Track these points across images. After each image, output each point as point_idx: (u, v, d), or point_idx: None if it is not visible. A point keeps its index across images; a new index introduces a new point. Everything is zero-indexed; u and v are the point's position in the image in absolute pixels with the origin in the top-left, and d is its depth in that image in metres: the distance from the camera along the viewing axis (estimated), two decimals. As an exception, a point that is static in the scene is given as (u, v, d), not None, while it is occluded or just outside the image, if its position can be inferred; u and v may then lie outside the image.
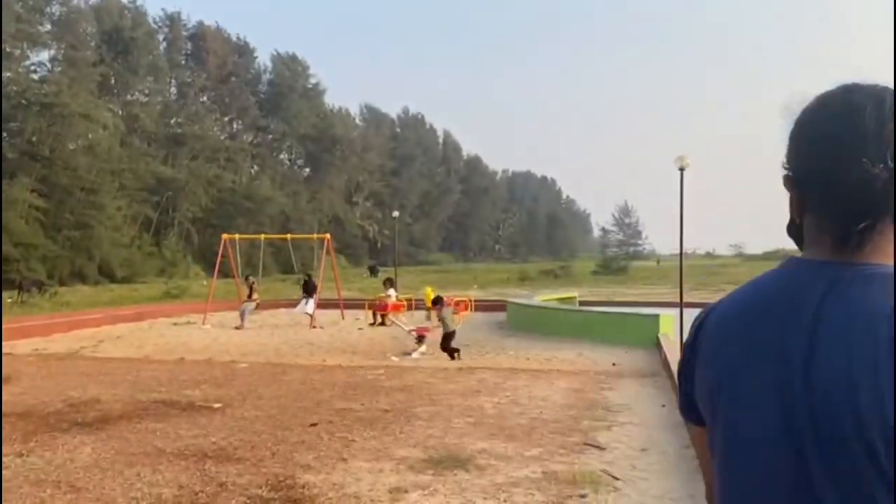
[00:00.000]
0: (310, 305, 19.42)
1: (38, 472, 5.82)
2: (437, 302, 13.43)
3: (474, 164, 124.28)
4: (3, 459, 6.18)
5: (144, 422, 7.63)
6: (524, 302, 19.68)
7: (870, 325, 0.87)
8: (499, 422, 7.53)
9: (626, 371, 11.09)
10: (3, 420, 7.75)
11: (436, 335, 13.17)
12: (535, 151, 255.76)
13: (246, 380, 10.42)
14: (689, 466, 5.91)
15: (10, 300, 25.60)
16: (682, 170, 11.46)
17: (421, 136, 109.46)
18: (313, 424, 7.42)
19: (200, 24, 70.97)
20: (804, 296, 0.95)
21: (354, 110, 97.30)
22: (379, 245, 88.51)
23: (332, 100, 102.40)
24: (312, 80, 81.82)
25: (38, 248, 42.17)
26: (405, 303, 19.66)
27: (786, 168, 1.03)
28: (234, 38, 74.66)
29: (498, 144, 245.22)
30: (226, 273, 26.99)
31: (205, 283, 38.65)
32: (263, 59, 78.80)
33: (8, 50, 46.80)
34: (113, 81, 57.54)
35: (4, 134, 46.26)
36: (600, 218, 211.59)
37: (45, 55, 51.71)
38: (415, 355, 13.10)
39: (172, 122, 64.30)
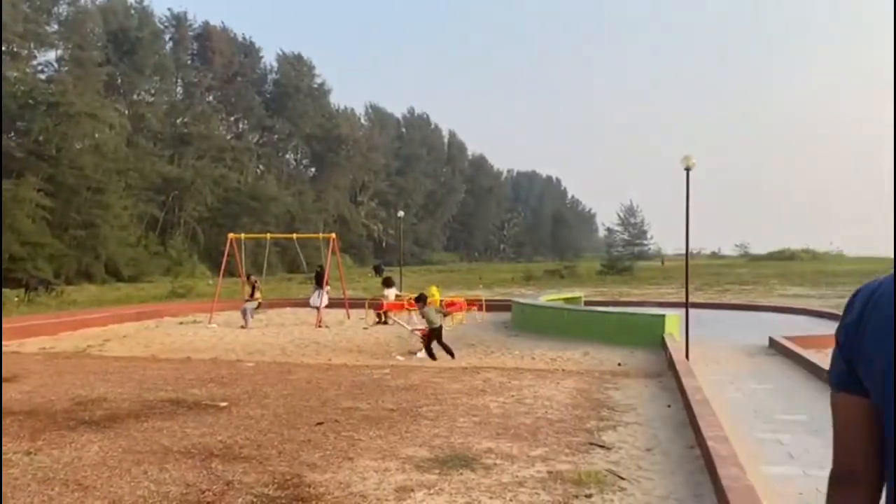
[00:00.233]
0: (324, 298, 19.62)
1: (46, 470, 5.86)
2: (420, 300, 13.32)
3: (479, 163, 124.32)
4: (13, 457, 6.22)
5: (151, 420, 7.66)
6: (529, 302, 19.65)
7: None
8: (504, 421, 7.53)
9: (631, 371, 11.08)
10: (12, 418, 7.80)
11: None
12: (540, 151, 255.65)
13: (252, 379, 10.44)
14: (693, 466, 5.92)
15: (16, 299, 25.72)
16: (688, 170, 11.43)
17: (426, 135, 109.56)
18: (319, 423, 7.44)
19: (206, 24, 71.31)
20: None
21: (360, 110, 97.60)
22: (384, 244, 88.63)
23: (337, 100, 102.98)
24: (318, 80, 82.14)
25: (45, 247, 42.37)
26: (405, 302, 19.54)
27: None
28: (239, 38, 74.93)
29: (503, 144, 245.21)
30: (232, 272, 27.05)
31: (210, 282, 38.76)
32: (269, 58, 79.21)
33: (15, 50, 47.04)
34: (119, 81, 57.78)
35: (11, 133, 46.47)
36: (605, 218, 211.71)
37: (52, 55, 52.02)
38: (420, 355, 13.11)
39: (178, 121, 64.51)
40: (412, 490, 5.29)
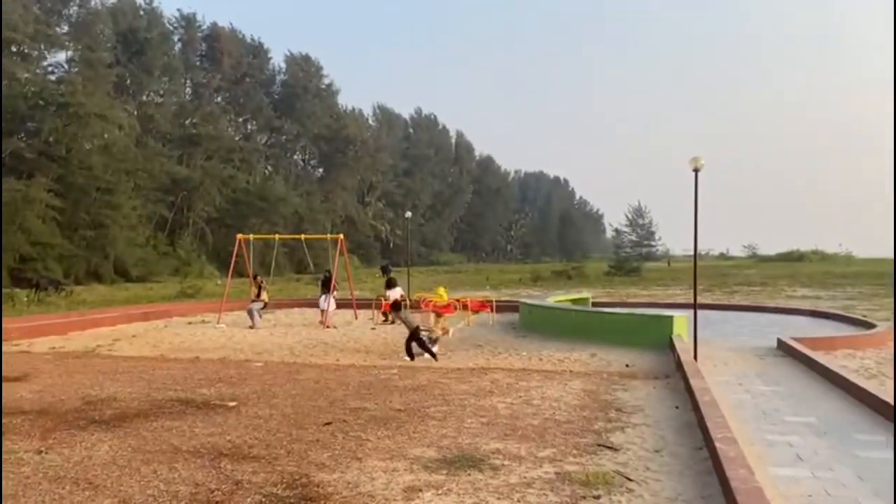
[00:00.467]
0: (331, 303, 19.59)
1: (57, 468, 5.90)
2: (396, 308, 13.47)
3: (487, 164, 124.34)
4: (24, 456, 6.27)
5: (160, 420, 7.70)
6: (537, 302, 19.64)
7: None
8: (512, 422, 7.54)
9: (639, 372, 11.07)
10: (23, 417, 7.87)
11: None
12: (547, 152, 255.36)
13: (260, 379, 10.48)
14: (702, 467, 5.91)
15: (26, 298, 25.89)
16: (696, 171, 11.40)
17: (433, 136, 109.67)
18: (328, 423, 7.47)
19: (215, 25, 71.54)
20: None
21: (367, 111, 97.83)
22: (391, 245, 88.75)
23: (345, 100, 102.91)
24: (326, 81, 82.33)
25: (55, 248, 42.63)
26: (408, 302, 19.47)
27: None
28: (248, 39, 75.14)
29: (510, 145, 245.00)
30: (240, 273, 27.14)
31: (219, 282, 38.91)
32: (277, 59, 79.38)
33: (26, 51, 47.33)
34: (128, 82, 58.06)
35: (22, 134, 46.76)
36: (613, 218, 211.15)
37: (62, 56, 52.30)
38: (426, 356, 13.12)
39: (187, 122, 64.75)
40: (420, 490, 5.31)
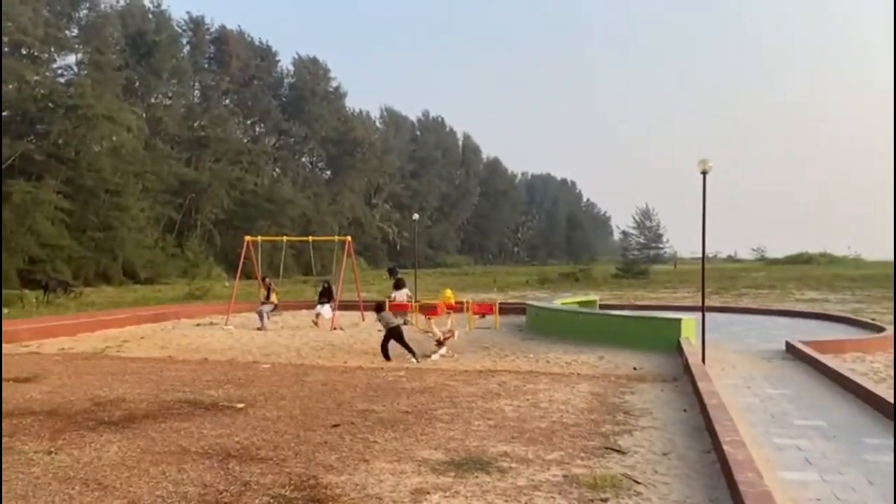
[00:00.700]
0: (325, 309, 19.54)
1: (67, 469, 5.93)
2: (378, 309, 13.86)
3: (494, 166, 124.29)
4: (34, 457, 6.31)
5: (169, 421, 7.73)
6: (544, 305, 19.63)
7: None
8: (519, 425, 7.54)
9: (647, 375, 11.04)
10: (33, 418, 7.91)
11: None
12: (554, 154, 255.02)
13: (268, 380, 10.51)
14: (710, 471, 5.90)
15: (36, 300, 26.04)
16: (704, 173, 11.37)
17: (441, 138, 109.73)
18: (335, 425, 7.49)
19: (223, 27, 71.76)
20: None
21: (375, 113, 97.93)
22: (398, 247, 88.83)
23: (352, 103, 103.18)
24: (333, 84, 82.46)
25: (64, 249, 42.83)
26: (413, 304, 19.07)
27: None
28: (256, 42, 75.34)
29: (517, 147, 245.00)
30: (248, 274, 27.22)
31: (227, 284, 39.02)
32: (285, 62, 79.54)
33: (36, 54, 47.61)
34: (137, 84, 58.32)
35: (31, 137, 47.03)
36: (621, 221, 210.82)
37: (71, 59, 52.57)
38: (434, 357, 13.14)
39: (196, 124, 64.98)
40: (428, 493, 5.32)
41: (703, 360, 11.21)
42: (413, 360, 12.69)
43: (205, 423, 7.60)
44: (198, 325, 20.36)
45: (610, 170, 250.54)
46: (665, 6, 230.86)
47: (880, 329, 16.14)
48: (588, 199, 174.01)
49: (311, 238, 26.26)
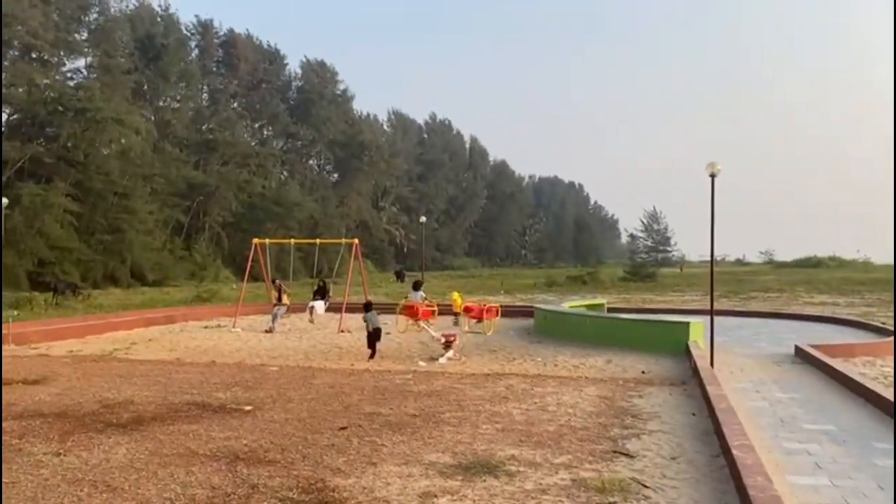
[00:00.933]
0: (318, 304, 19.87)
1: (76, 471, 5.95)
2: (367, 308, 14.26)
3: (501, 169, 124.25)
4: (43, 458, 6.34)
5: (177, 423, 7.75)
6: (552, 308, 19.59)
7: None
8: (527, 428, 7.52)
9: (655, 379, 11.01)
10: (42, 420, 7.95)
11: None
12: (562, 157, 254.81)
13: (276, 383, 10.53)
14: (719, 475, 5.87)
15: (45, 302, 26.16)
16: (713, 176, 11.34)
17: (448, 141, 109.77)
18: (343, 428, 7.49)
19: (232, 31, 72.01)
20: None
21: (382, 116, 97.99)
22: (405, 250, 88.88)
23: (360, 106, 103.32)
24: (341, 87, 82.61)
25: (73, 252, 43.00)
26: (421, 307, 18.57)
27: None
28: (264, 46, 75.57)
29: (525, 150, 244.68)
30: (255, 277, 27.27)
31: (234, 286, 39.09)
32: (293, 66, 79.74)
33: (45, 57, 47.88)
34: (145, 87, 58.55)
35: (41, 140, 47.28)
36: (628, 223, 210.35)
37: (81, 62, 52.83)
38: (442, 360, 13.14)
39: (204, 127, 65.17)
40: (435, 496, 5.31)
41: (712, 363, 11.17)
42: (368, 360, 13.28)
43: (213, 426, 7.62)
44: (206, 327, 20.42)
45: (617, 172, 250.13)
46: (673, 8, 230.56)
47: (890, 333, 16.04)
48: (596, 202, 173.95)
49: (318, 240, 26.30)
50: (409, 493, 5.36)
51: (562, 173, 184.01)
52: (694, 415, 8.30)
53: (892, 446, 6.76)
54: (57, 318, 21.09)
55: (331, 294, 21.15)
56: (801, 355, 12.80)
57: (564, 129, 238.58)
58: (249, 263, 22.58)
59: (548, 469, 6.01)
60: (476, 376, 11.24)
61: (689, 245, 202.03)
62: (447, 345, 13.72)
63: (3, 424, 7.67)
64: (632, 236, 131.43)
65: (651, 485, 5.61)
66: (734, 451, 5.79)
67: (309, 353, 14.66)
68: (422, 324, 15.77)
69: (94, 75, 51.71)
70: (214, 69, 70.47)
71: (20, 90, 45.92)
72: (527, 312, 21.47)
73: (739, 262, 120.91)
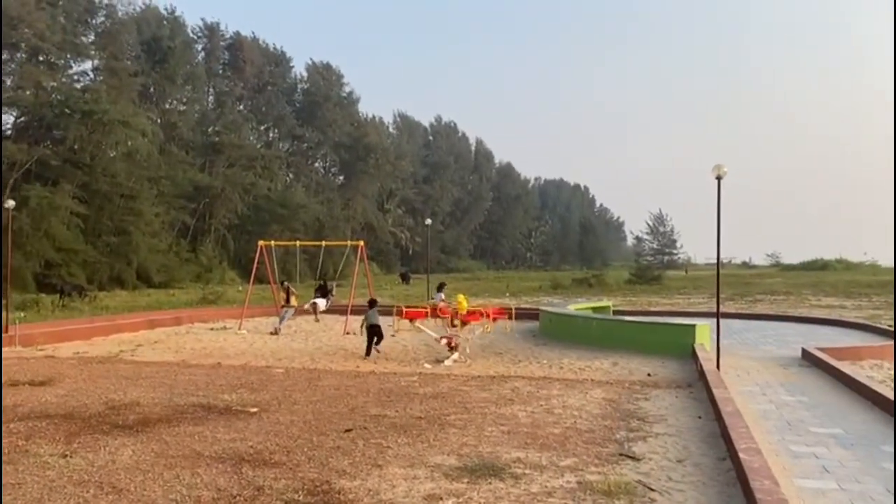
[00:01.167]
0: (321, 301, 19.93)
1: (82, 472, 5.96)
2: (371, 305, 14.92)
3: (506, 171, 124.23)
4: (49, 460, 6.35)
5: (183, 425, 7.76)
6: (557, 310, 19.56)
7: None
8: (533, 431, 7.51)
9: (661, 381, 10.98)
10: (48, 421, 7.96)
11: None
12: (567, 159, 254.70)
13: (281, 385, 10.53)
14: (725, 478, 5.85)
15: (52, 304, 26.25)
16: (719, 179, 11.31)
17: (453, 143, 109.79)
18: (348, 430, 7.48)
19: (237, 34, 72.18)
20: None
21: (388, 118, 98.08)
22: (411, 252, 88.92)
23: (365, 108, 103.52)
24: (346, 89, 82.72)
25: (79, 254, 43.12)
26: (428, 309, 16.45)
27: None
28: (270, 48, 75.76)
29: (530, 152, 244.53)
30: (261, 279, 27.30)
31: (240, 288, 39.16)
32: (299, 68, 79.91)
33: (52, 60, 48.05)
34: (152, 90, 58.70)
35: (48, 142, 47.45)
36: (634, 226, 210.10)
37: (87, 65, 53.00)
38: (447, 363, 13.12)
39: (210, 130, 65.31)
40: (441, 498, 5.30)
41: (718, 366, 11.13)
42: (364, 357, 13.83)
43: (218, 428, 7.62)
44: (211, 329, 20.45)
45: (623, 175, 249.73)
46: (677, 11, 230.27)
47: (898, 336, 15.96)
48: (601, 205, 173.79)
49: (323, 243, 26.35)
50: (414, 496, 5.36)
51: (567, 176, 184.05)
52: (700, 418, 8.27)
53: (900, 450, 6.74)
54: (63, 319, 21.15)
55: (333, 293, 21.13)
56: (808, 358, 12.74)
57: (570, 132, 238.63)
58: (255, 265, 22.61)
59: (553, 472, 5.99)
60: (481, 378, 11.22)
61: (695, 247, 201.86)
62: (452, 347, 13.70)
63: (10, 426, 7.70)
64: (637, 239, 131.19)
65: (657, 488, 5.59)
66: (741, 455, 5.77)
67: (314, 354, 14.67)
68: (417, 324, 15.69)
69: (101, 78, 51.85)
70: (220, 72, 70.67)
71: (27, 93, 46.10)
72: (532, 315, 21.44)
73: (745, 265, 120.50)
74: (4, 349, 15.08)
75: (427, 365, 12.99)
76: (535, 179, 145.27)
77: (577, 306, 21.63)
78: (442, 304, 17.93)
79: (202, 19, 70.68)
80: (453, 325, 14.87)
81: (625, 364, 12.93)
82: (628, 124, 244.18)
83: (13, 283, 27.71)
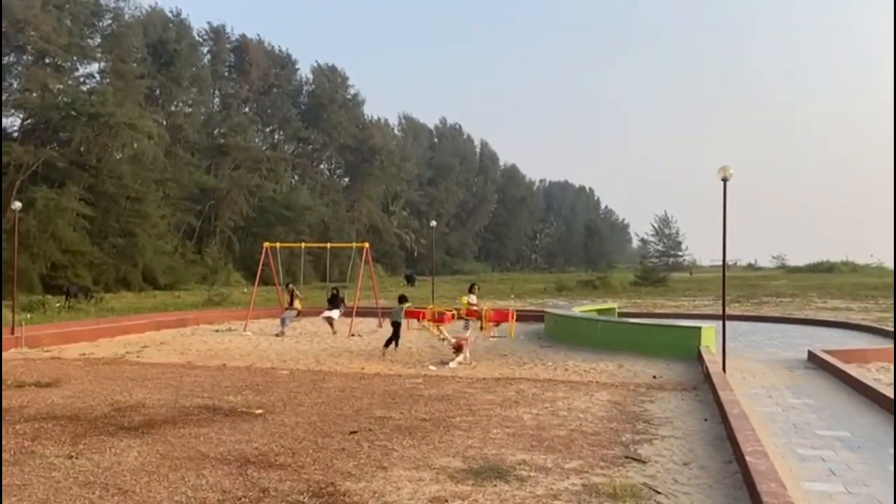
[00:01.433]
0: (335, 312, 19.61)
1: (88, 473, 5.98)
2: (403, 300, 15.28)
3: (511, 173, 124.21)
4: (55, 461, 6.36)
5: (188, 427, 7.77)
6: (563, 312, 19.53)
7: None
8: (538, 433, 7.49)
9: (666, 384, 10.95)
10: (54, 422, 7.98)
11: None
12: (572, 161, 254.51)
13: (286, 386, 10.54)
14: (731, 481, 5.83)
15: (58, 305, 26.33)
16: (724, 180, 11.27)
17: (458, 145, 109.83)
18: (353, 432, 7.48)
19: (243, 36, 72.37)
20: None
21: (393, 120, 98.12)
22: (416, 254, 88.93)
23: (371, 110, 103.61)
24: (352, 91, 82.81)
25: (85, 255, 43.26)
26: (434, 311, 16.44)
27: None
28: (276, 51, 75.93)
29: (535, 154, 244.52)
30: (266, 281, 27.34)
31: (245, 290, 39.22)
32: (304, 70, 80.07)
33: (59, 63, 48.24)
34: (158, 92, 58.85)
35: (54, 144, 47.63)
36: (639, 228, 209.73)
37: (94, 67, 53.19)
38: (452, 364, 13.11)
39: (215, 132, 65.46)
40: (446, 501, 5.29)
41: (724, 368, 11.09)
42: (384, 353, 14.46)
43: (223, 429, 7.63)
44: (217, 330, 20.49)
45: (628, 177, 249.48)
46: (681, 12, 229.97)
47: (905, 338, 15.89)
48: (606, 207, 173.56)
49: (328, 244, 26.36)
50: (419, 498, 5.35)
51: (572, 178, 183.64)
52: (706, 420, 8.24)
53: (907, 453, 6.70)
54: (69, 321, 21.22)
55: (346, 302, 20.94)
56: (815, 360, 12.70)
57: (575, 134, 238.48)
58: (260, 267, 22.65)
59: (559, 474, 5.98)
60: (486, 381, 11.21)
61: (701, 249, 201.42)
62: (457, 348, 13.68)
63: (17, 427, 7.72)
64: (643, 241, 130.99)
65: (663, 491, 5.57)
66: (747, 457, 5.74)
67: (319, 356, 14.67)
68: (426, 324, 15.65)
69: (107, 80, 52.02)
70: (226, 74, 70.84)
71: (34, 95, 46.28)
72: (537, 317, 21.42)
73: (751, 267, 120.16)
74: (12, 350, 15.15)
75: (432, 367, 12.98)
76: (540, 181, 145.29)
77: (583, 308, 21.59)
78: (473, 307, 17.89)
79: (208, 23, 70.86)
80: (466, 328, 14.86)
81: (630, 366, 12.90)
82: (633, 126, 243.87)
83: (20, 284, 27.81)
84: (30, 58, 46.68)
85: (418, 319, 14.99)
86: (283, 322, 19.26)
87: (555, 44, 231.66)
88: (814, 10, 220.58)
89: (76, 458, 6.47)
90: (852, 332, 18.91)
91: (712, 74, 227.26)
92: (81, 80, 52.30)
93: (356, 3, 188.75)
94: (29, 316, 20.82)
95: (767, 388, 10.33)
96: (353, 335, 18.70)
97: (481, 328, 14.46)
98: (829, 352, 12.81)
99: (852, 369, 11.01)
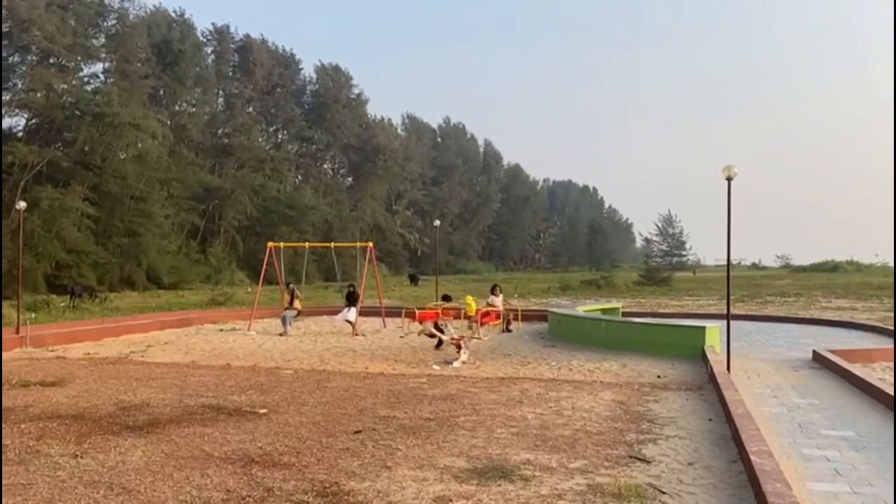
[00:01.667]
0: (352, 313, 19.46)
1: (92, 473, 5.98)
2: (447, 299, 16.01)
3: (515, 173, 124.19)
4: (60, 460, 6.38)
5: (193, 426, 7.77)
6: (566, 312, 19.50)
7: None
8: (542, 433, 7.48)
9: (671, 383, 10.93)
10: (59, 422, 8.00)
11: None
12: (576, 160, 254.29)
13: (290, 386, 10.55)
14: (736, 481, 5.81)
15: (62, 305, 26.40)
16: (729, 180, 11.24)
17: (462, 145, 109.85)
18: (357, 431, 7.48)
19: (247, 36, 72.48)
20: None
21: (396, 120, 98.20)
22: (419, 253, 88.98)
23: (374, 110, 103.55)
24: (355, 91, 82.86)
25: (90, 255, 43.35)
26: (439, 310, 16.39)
27: None
28: (279, 50, 76.00)
29: (539, 153, 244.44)
30: (270, 280, 27.37)
31: (249, 289, 39.27)
32: (308, 70, 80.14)
33: (63, 62, 48.35)
34: (162, 92, 58.93)
35: (59, 144, 47.75)
36: (643, 227, 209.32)
37: (98, 67, 53.32)
38: (456, 364, 13.10)
39: (219, 132, 65.55)
40: (451, 500, 5.28)
41: (728, 368, 11.07)
42: (438, 346, 14.84)
43: (228, 429, 7.64)
44: (221, 330, 20.51)
45: (632, 176, 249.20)
46: (686, 12, 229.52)
47: (910, 338, 15.84)
48: (610, 206, 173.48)
49: (332, 244, 26.39)
50: (423, 498, 5.34)
51: (576, 177, 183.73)
52: (711, 420, 8.22)
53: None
54: (74, 320, 21.27)
55: (361, 298, 20.70)
56: (819, 360, 12.66)
57: (579, 133, 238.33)
58: (264, 267, 22.67)
59: (563, 474, 5.97)
60: (490, 380, 11.20)
61: (705, 249, 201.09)
62: (458, 347, 13.68)
63: (22, 426, 7.74)
64: (646, 240, 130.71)
65: (668, 490, 5.56)
66: (752, 457, 5.73)
67: (323, 356, 14.68)
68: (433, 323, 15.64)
69: (112, 80, 52.12)
70: (230, 74, 70.94)
71: (38, 95, 46.39)
72: (541, 316, 21.40)
73: (755, 267, 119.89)
74: (16, 350, 15.19)
75: (436, 366, 12.98)
76: (544, 181, 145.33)
77: (587, 308, 21.56)
78: (495, 308, 17.90)
79: (212, 23, 70.99)
80: (469, 329, 14.90)
81: (634, 366, 12.88)
82: (637, 125, 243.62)
83: (24, 284, 27.85)
84: (34, 58, 46.77)
85: (437, 319, 14.99)
86: (284, 322, 19.26)
87: (559, 43, 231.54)
88: (814, 10, 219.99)
89: (81, 457, 6.48)
90: (857, 331, 18.86)
91: (717, 74, 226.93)
92: (86, 79, 52.50)
93: (360, 2, 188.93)
94: (34, 315, 20.88)
95: (772, 388, 10.31)
96: (356, 335, 18.71)
97: (473, 327, 14.49)
98: (833, 351, 12.78)
99: (857, 369, 10.97)
